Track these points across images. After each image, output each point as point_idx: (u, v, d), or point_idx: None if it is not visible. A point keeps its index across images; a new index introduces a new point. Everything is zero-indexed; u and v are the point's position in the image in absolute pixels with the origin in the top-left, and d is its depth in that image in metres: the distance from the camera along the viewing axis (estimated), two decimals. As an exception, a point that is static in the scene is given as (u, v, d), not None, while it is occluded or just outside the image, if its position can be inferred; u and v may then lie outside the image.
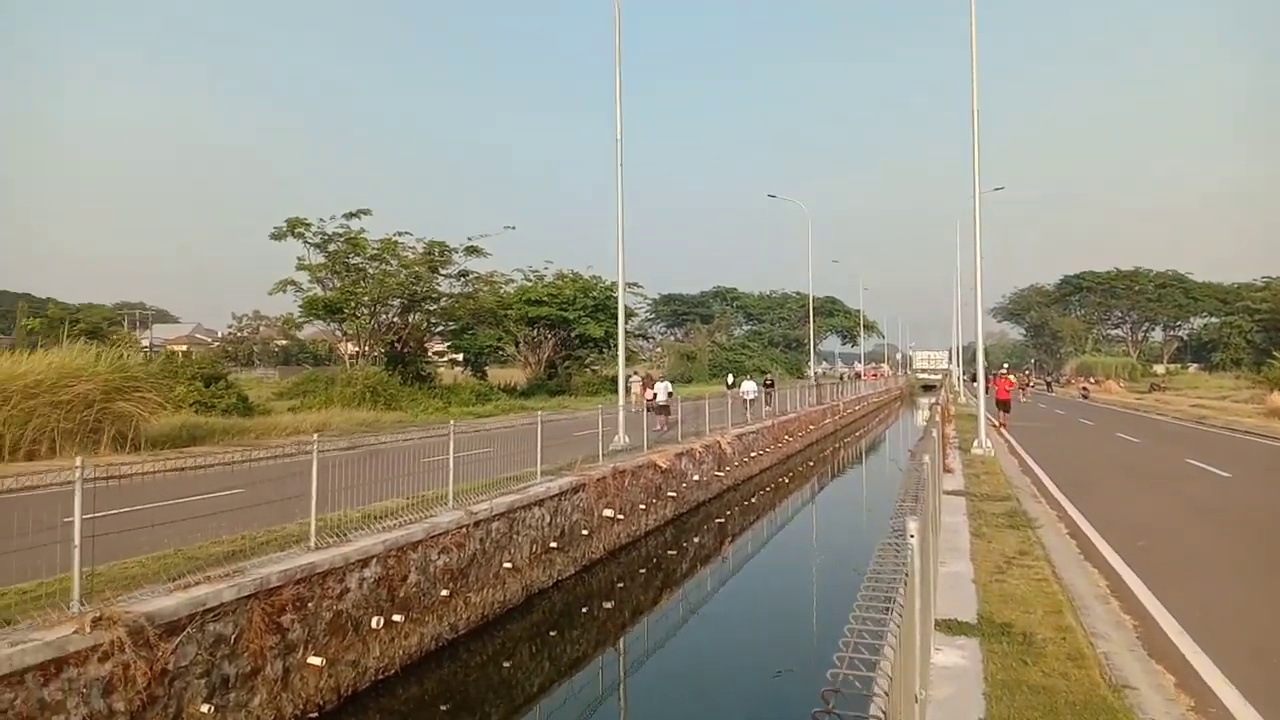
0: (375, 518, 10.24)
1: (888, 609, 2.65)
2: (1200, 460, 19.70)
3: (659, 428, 22.33)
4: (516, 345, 56.36)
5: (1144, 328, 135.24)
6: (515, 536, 11.95)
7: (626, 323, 66.71)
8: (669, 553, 17.50)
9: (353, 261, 40.74)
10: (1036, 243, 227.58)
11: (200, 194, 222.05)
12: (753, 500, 24.08)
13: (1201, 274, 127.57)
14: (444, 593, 10.20)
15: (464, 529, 10.67)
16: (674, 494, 18.40)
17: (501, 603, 11.71)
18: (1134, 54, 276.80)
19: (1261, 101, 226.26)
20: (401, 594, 9.53)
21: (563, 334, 56.04)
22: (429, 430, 26.52)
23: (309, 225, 39.57)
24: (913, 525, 3.13)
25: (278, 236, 39.95)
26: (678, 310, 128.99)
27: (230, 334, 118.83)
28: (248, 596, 7.48)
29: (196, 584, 7.24)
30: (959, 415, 34.14)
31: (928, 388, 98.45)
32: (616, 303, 58.11)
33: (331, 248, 40.41)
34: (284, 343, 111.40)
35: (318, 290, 40.77)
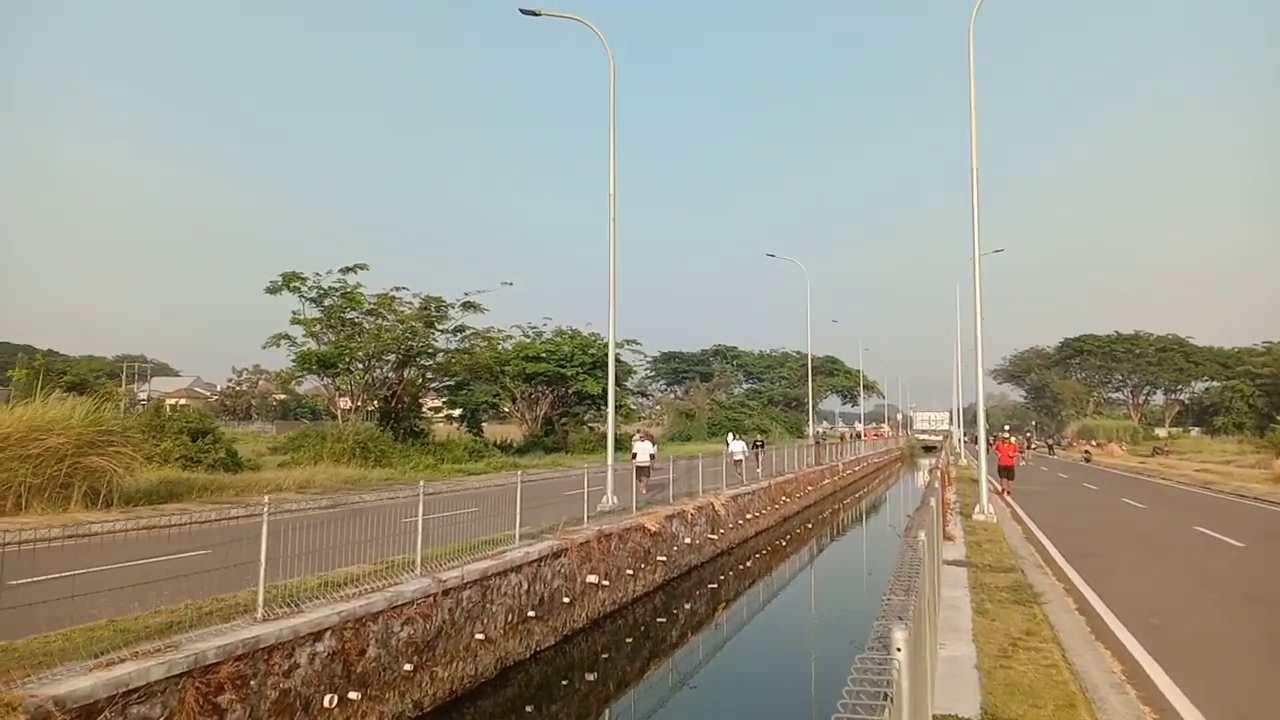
0: (335, 585, 9.58)
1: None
2: (1210, 528, 18.93)
3: (642, 491, 21.11)
4: (514, 401, 55.79)
5: (1145, 391, 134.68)
6: (489, 605, 11.24)
7: (625, 380, 66.63)
8: (658, 620, 16.74)
9: (348, 316, 40.44)
10: (1036, 305, 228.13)
11: (204, 247, 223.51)
12: (748, 564, 23.30)
13: (1202, 338, 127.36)
14: (407, 667, 9.48)
15: (431, 598, 9.99)
16: (664, 558, 17.66)
17: (472, 676, 10.96)
18: (1135, 116, 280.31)
19: (1262, 166, 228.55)
20: (359, 669, 8.83)
21: (560, 391, 55.54)
22: (414, 489, 25.73)
23: (304, 279, 39.29)
24: (900, 635, 2.53)
25: (273, 290, 39.67)
26: (678, 368, 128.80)
27: (229, 388, 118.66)
28: (180, 675, 6.80)
29: (121, 661, 6.57)
30: (960, 479, 33.40)
31: (928, 449, 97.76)
32: (616, 360, 58.04)
33: (327, 302, 40.13)
34: (282, 397, 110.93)
35: (312, 344, 40.37)
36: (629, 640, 15.24)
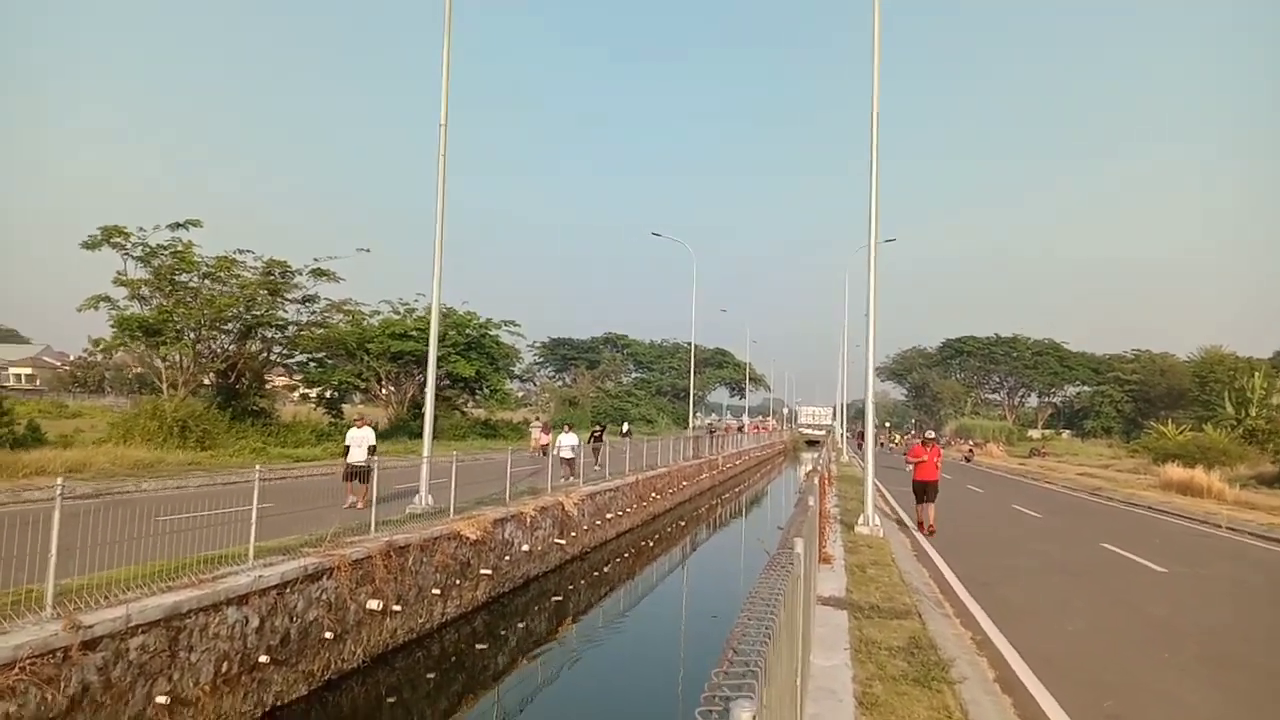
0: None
1: None
2: (1118, 545, 16.72)
3: (356, 504, 15.39)
4: (379, 382, 51.59)
5: (1020, 393, 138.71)
6: (186, 654, 7.89)
7: (512, 365, 62.82)
8: (477, 647, 13.65)
9: (180, 279, 35.70)
10: (920, 305, 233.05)
11: (62, 210, 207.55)
12: (605, 570, 20.46)
13: (1075, 344, 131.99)
14: (1, 766, 6.10)
15: (57, 654, 6.59)
16: (489, 570, 14.49)
17: (149, 759, 7.59)
18: (1032, 123, 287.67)
19: (1129, 184, 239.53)
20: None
21: (430, 372, 51.47)
22: (215, 477, 22.02)
23: (128, 235, 34.32)
24: None
25: (90, 246, 34.50)
26: (567, 355, 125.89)
27: (81, 358, 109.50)
28: None
29: None
30: (842, 477, 31.28)
31: (811, 443, 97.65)
32: (493, 341, 54.44)
33: (156, 262, 35.27)
34: (140, 370, 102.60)
35: (135, 308, 35.48)
36: (431, 676, 12.09)
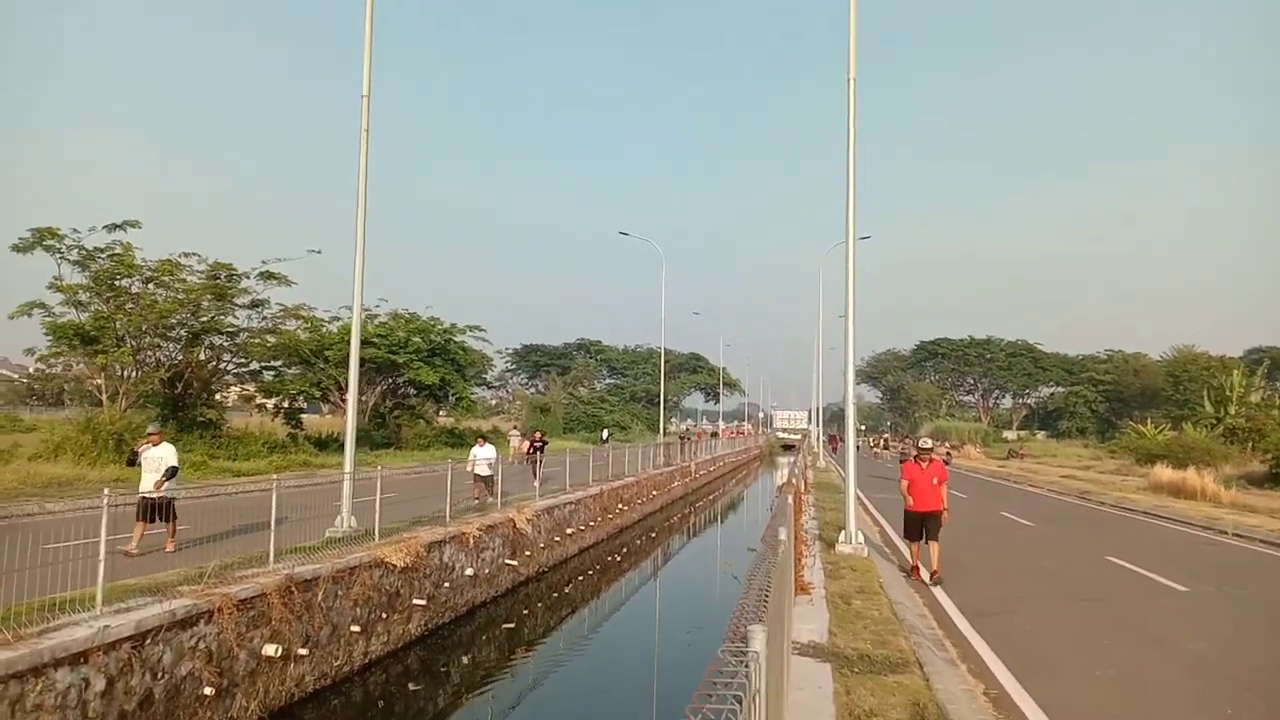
0: None
1: None
2: (1126, 559, 15.10)
3: (165, 547, 12.25)
4: (340, 390, 49.68)
5: (994, 395, 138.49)
6: (-7, 734, 6.25)
7: (480, 371, 61.04)
8: (411, 687, 12.01)
9: (120, 283, 33.77)
10: (894, 307, 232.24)
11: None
12: (566, 591, 18.84)
13: (1049, 345, 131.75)
14: None
15: None
16: (424, 600, 12.83)
17: None
18: (999, 123, 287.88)
19: (1103, 188, 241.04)
20: None
21: (392, 380, 49.88)
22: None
23: (62, 236, 32.35)
24: None
25: (22, 248, 32.54)
26: (539, 362, 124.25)
27: (39, 370, 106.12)
28: None
29: None
30: (819, 484, 29.82)
31: (787, 447, 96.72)
32: (459, 347, 52.65)
33: (94, 266, 33.32)
34: (99, 381, 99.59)
35: (72, 315, 33.50)
36: (349, 727, 10.45)
